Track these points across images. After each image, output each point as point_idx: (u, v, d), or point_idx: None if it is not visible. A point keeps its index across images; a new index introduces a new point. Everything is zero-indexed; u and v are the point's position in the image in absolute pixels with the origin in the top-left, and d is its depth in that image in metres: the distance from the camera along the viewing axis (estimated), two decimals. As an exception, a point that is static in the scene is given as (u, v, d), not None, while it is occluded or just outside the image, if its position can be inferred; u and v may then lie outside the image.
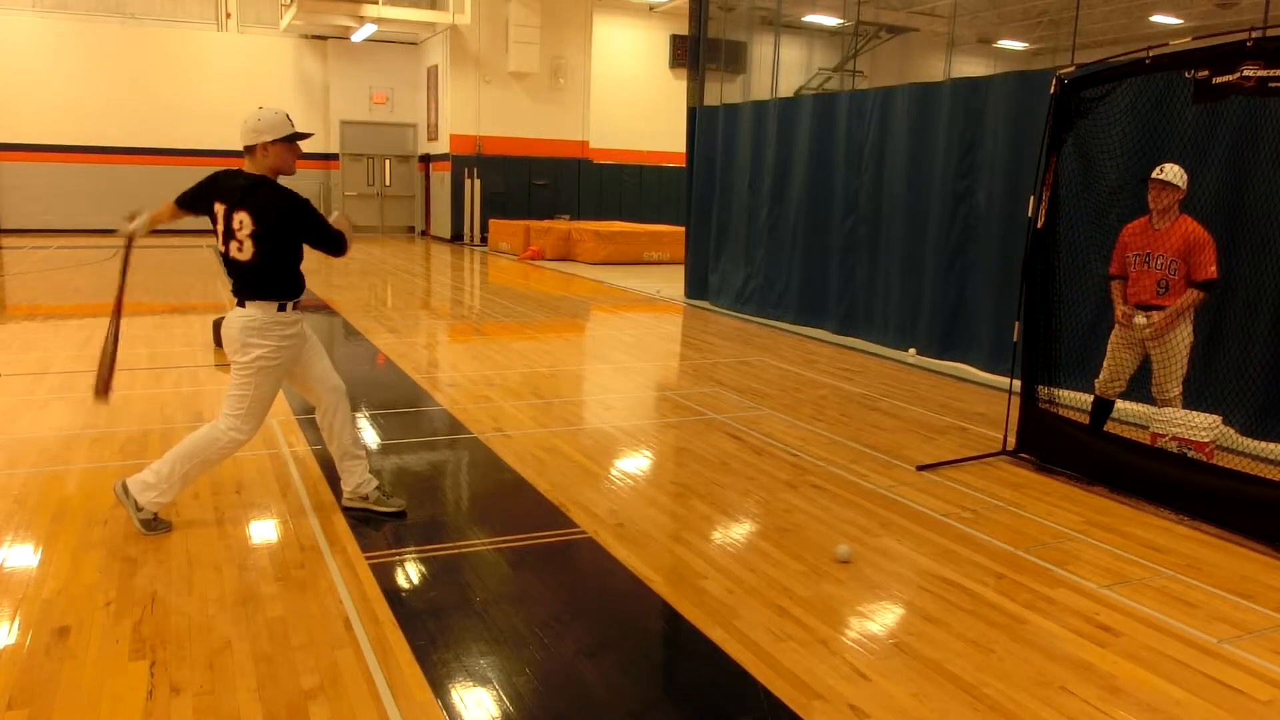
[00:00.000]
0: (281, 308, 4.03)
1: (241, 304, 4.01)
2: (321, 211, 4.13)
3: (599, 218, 24.04)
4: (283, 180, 4.04)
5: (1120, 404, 5.76)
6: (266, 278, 4.00)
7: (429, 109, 24.83)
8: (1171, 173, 5.08)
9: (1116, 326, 5.46)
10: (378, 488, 4.43)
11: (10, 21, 21.76)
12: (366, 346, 8.97)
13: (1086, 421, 5.52)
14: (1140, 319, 5.23)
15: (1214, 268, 5.02)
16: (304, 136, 4.05)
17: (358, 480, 4.39)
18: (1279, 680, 3.15)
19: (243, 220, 3.91)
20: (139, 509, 4.05)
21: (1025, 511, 4.75)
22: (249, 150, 3.95)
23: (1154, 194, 5.13)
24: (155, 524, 4.09)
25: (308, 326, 4.26)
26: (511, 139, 23.66)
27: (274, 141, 3.92)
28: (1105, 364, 5.52)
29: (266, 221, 3.92)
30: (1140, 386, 5.52)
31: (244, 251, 3.94)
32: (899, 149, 9.05)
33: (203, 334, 8.98)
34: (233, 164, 4.15)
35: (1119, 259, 5.38)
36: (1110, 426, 5.51)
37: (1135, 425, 5.57)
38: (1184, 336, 5.21)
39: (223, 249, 4.01)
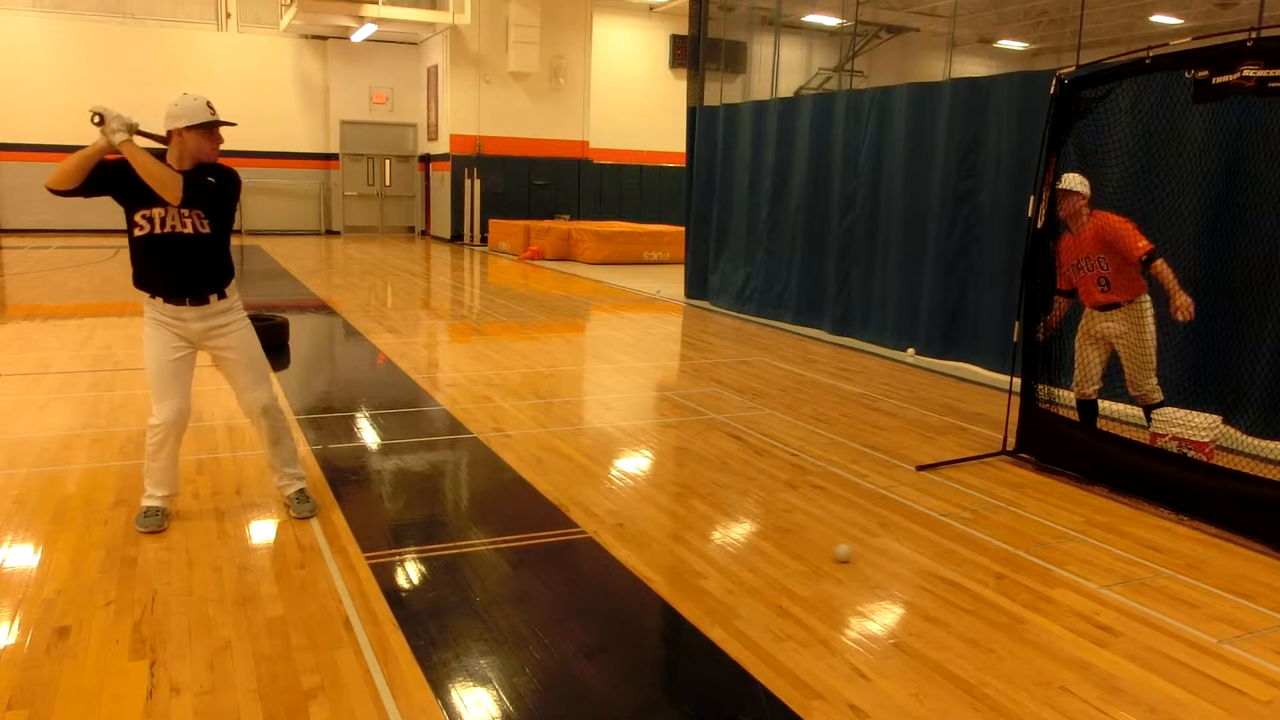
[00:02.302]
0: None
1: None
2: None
3: (599, 218, 24.04)
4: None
5: (1120, 405, 5.77)
6: None
7: (429, 109, 24.83)
8: (1070, 180, 5.28)
9: (1080, 327, 5.56)
10: (293, 494, 4.40)
11: (10, 21, 21.76)
12: (366, 346, 8.97)
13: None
14: (1111, 324, 5.36)
15: (1142, 241, 5.12)
16: (218, 125, 3.96)
17: (278, 481, 4.41)
18: (1279, 680, 3.15)
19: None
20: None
21: (1025, 511, 4.75)
22: (167, 136, 3.94)
23: (1061, 204, 5.32)
24: (144, 518, 4.14)
25: (238, 338, 4.19)
26: (511, 139, 23.66)
27: (188, 128, 3.89)
28: (1075, 365, 5.59)
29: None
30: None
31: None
32: (900, 149, 9.04)
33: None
34: (235, 164, 4.16)
35: (1064, 276, 5.48)
36: (1110, 427, 5.51)
37: (1135, 425, 5.57)
38: (1148, 329, 5.29)
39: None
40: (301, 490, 4.40)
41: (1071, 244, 5.38)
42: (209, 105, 3.94)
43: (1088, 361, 5.53)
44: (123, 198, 3.91)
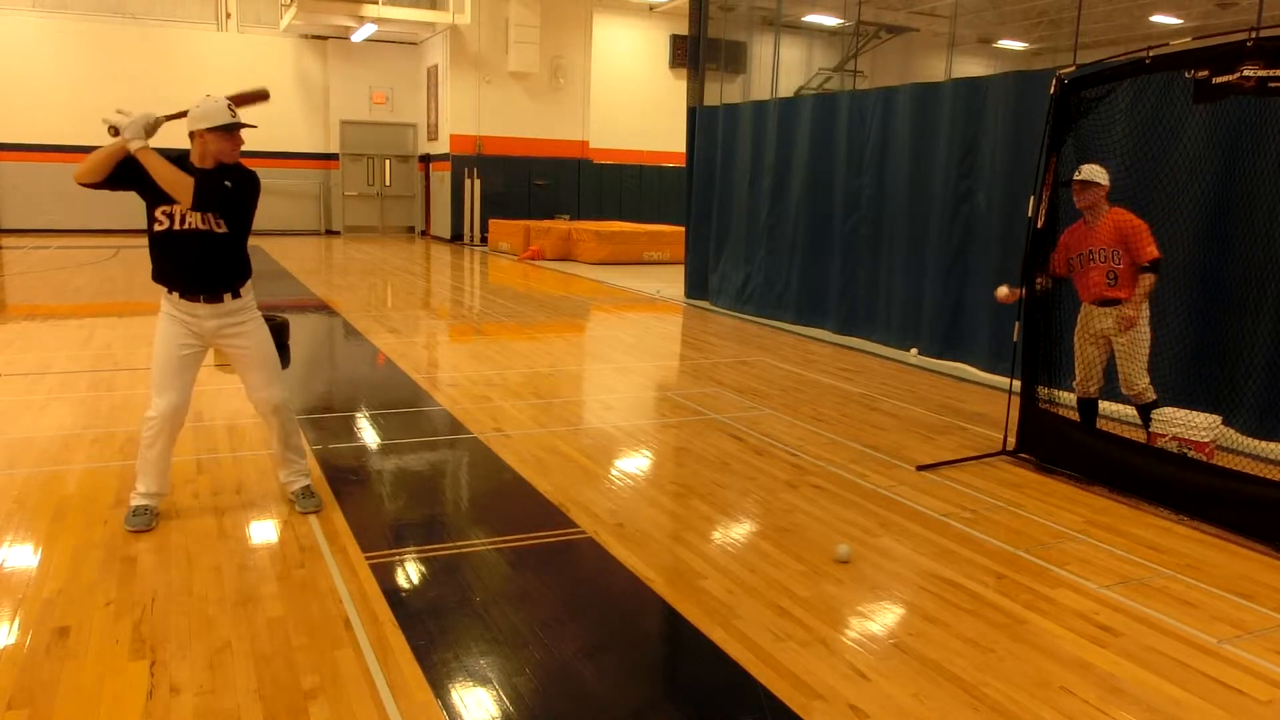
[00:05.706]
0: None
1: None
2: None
3: (599, 218, 24.03)
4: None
5: (1119, 406, 5.76)
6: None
7: (429, 109, 24.82)
8: (1089, 171, 5.25)
9: (1078, 325, 5.56)
10: (299, 490, 4.45)
11: (10, 21, 21.76)
12: (366, 346, 8.96)
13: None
14: (1110, 321, 5.33)
15: (1153, 248, 5.15)
16: (238, 127, 3.98)
17: (285, 477, 4.46)
18: (1279, 680, 3.15)
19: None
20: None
21: (1025, 511, 4.75)
22: (190, 137, 3.98)
23: (1077, 195, 5.29)
24: (133, 516, 4.15)
25: (251, 337, 4.25)
26: (511, 139, 23.66)
27: (209, 130, 3.92)
28: (1076, 364, 5.60)
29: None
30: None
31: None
32: (900, 149, 9.04)
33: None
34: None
35: (1062, 260, 5.49)
36: (1110, 426, 5.51)
37: (1135, 425, 5.56)
38: (1141, 328, 5.29)
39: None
40: (307, 486, 4.46)
41: (1083, 235, 5.35)
42: (230, 107, 3.97)
43: (1088, 360, 5.53)
44: (145, 192, 3.97)
